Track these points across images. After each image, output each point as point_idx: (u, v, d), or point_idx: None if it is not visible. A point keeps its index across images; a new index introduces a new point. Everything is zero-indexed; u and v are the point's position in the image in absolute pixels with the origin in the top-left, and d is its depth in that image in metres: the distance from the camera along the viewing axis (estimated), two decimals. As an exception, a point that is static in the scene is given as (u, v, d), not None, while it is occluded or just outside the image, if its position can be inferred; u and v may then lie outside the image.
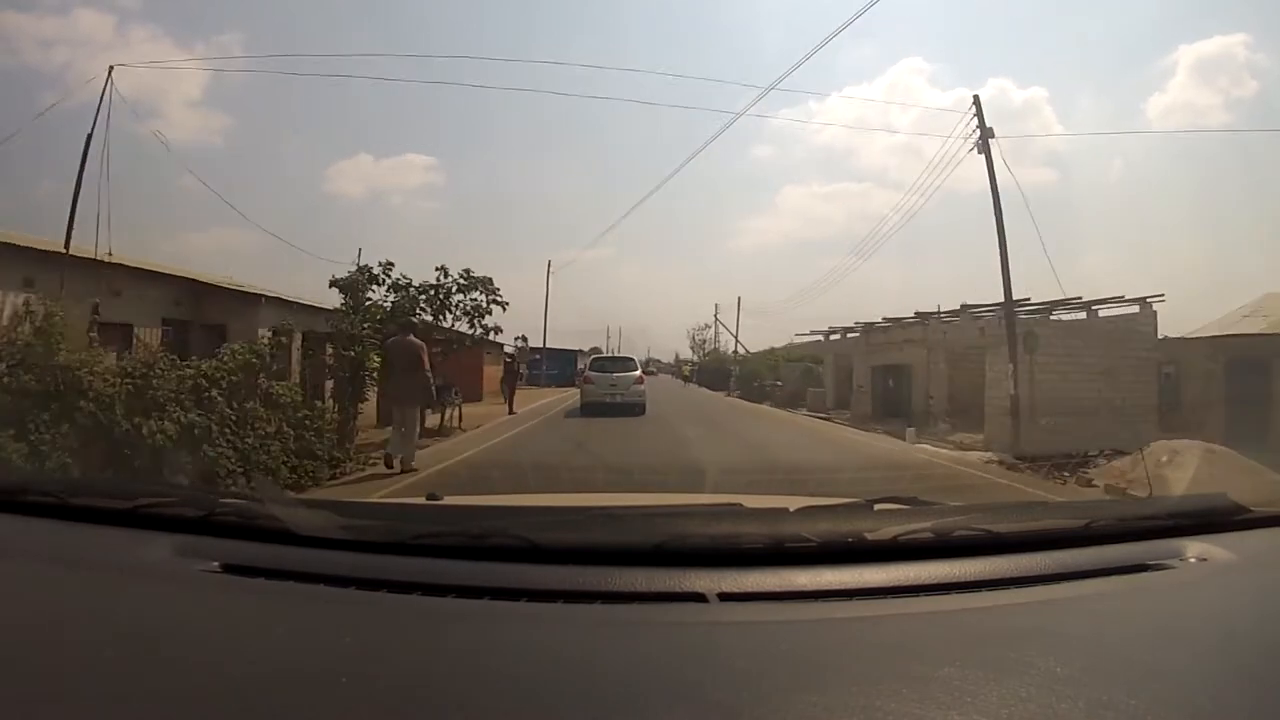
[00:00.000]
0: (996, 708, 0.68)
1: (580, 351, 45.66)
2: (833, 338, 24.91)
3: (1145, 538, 1.16)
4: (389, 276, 11.84)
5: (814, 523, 1.14)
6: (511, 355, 20.77)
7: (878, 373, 19.52)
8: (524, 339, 40.08)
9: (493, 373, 23.44)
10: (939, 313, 17.70)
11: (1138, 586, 1.01)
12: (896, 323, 19.21)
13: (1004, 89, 60.69)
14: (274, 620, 0.90)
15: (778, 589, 0.96)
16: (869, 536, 1.07)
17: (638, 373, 18.05)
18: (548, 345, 42.53)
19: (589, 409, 16.62)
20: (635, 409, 16.44)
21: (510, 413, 16.75)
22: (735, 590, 0.94)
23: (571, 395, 22.48)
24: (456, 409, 13.48)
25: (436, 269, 12.74)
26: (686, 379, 48.54)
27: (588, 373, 19.14)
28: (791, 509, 1.25)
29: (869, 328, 20.72)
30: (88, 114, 12.12)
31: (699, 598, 0.92)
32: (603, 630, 0.87)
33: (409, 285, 12.15)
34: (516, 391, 18.94)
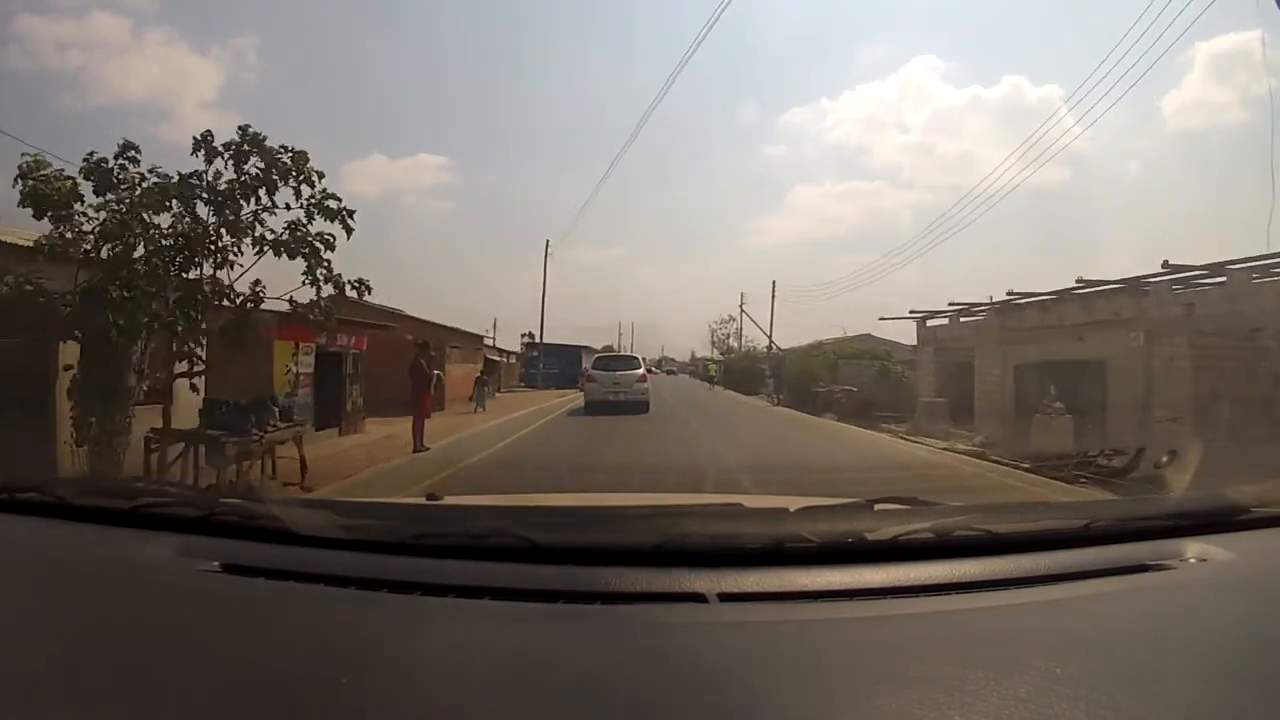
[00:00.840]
0: (997, 708, 0.68)
1: (586, 348, 41.38)
2: (933, 323, 16.77)
3: (1145, 538, 1.16)
4: (129, 170, 5.79)
5: (814, 523, 1.14)
6: (422, 343, 11.91)
7: (1026, 374, 12.34)
8: (531, 335, 37.21)
9: (457, 374, 18.23)
10: (1175, 271, 9.87)
11: (1138, 586, 1.01)
12: (1071, 291, 11.70)
13: (1019, 86, 61.11)
14: (274, 620, 0.90)
15: (778, 589, 0.96)
16: (869, 537, 1.07)
17: (641, 370, 18.26)
18: (549, 341, 37.18)
19: (593, 407, 16.81)
20: (639, 407, 16.55)
21: (418, 449, 10.05)
22: (735, 590, 0.94)
23: (568, 401, 20.04)
24: (294, 447, 7.44)
25: (197, 139, 5.99)
26: (712, 380, 39.50)
27: (591, 371, 19.26)
28: (791, 509, 1.25)
29: (1009, 302, 13.35)
30: None
31: (699, 598, 0.92)
32: (603, 630, 0.87)
33: (154, 182, 5.86)
34: (495, 397, 17.37)
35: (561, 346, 39.52)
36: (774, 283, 40.09)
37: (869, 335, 26.39)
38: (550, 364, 36.28)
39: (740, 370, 38.87)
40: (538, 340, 37.86)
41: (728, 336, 55.28)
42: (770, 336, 38.73)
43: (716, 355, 56.57)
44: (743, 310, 48.09)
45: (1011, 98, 70.63)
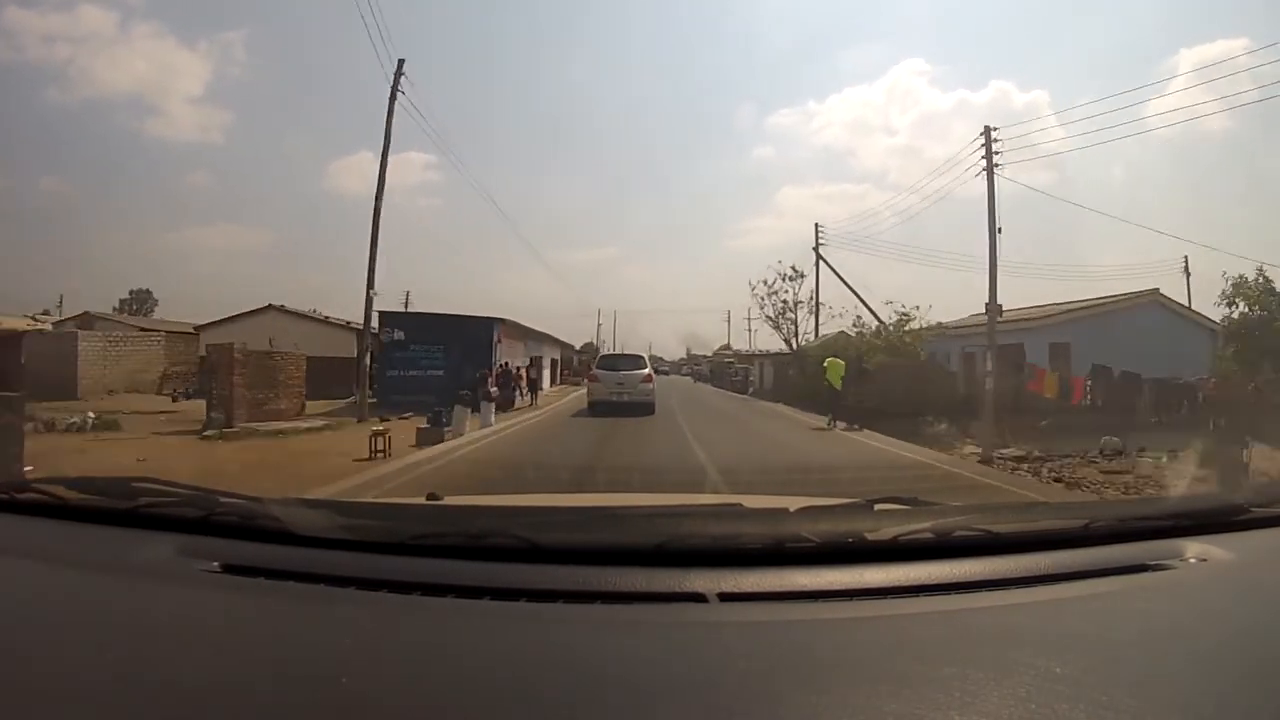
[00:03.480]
0: (997, 708, 0.68)
1: (501, 321, 21.20)
2: None
3: (1145, 538, 1.16)
4: None
5: (814, 523, 1.14)
6: None
7: None
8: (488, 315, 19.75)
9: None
10: None
11: (1138, 586, 1.01)
12: None
13: (1006, 91, 61.24)
14: (274, 620, 0.90)
15: (778, 589, 0.96)
16: (869, 536, 1.07)
17: (646, 371, 18.05)
18: (430, 312, 20.83)
19: (596, 408, 16.69)
20: (644, 409, 16.37)
21: None
22: (735, 590, 0.94)
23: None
24: None
25: None
26: (836, 398, 15.25)
27: (594, 370, 19.06)
28: (792, 509, 1.25)
29: None
30: None
31: (699, 598, 0.92)
32: (603, 630, 0.87)
33: None
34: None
35: (448, 320, 19.64)
36: (987, 145, 16.32)
37: (1158, 292, 17.30)
38: (427, 355, 18.62)
39: (886, 374, 17.81)
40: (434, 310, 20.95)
41: (787, 308, 27.50)
42: (992, 297, 15.78)
43: (718, 350, 41.29)
44: (819, 257, 26.61)
45: (999, 102, 70.56)
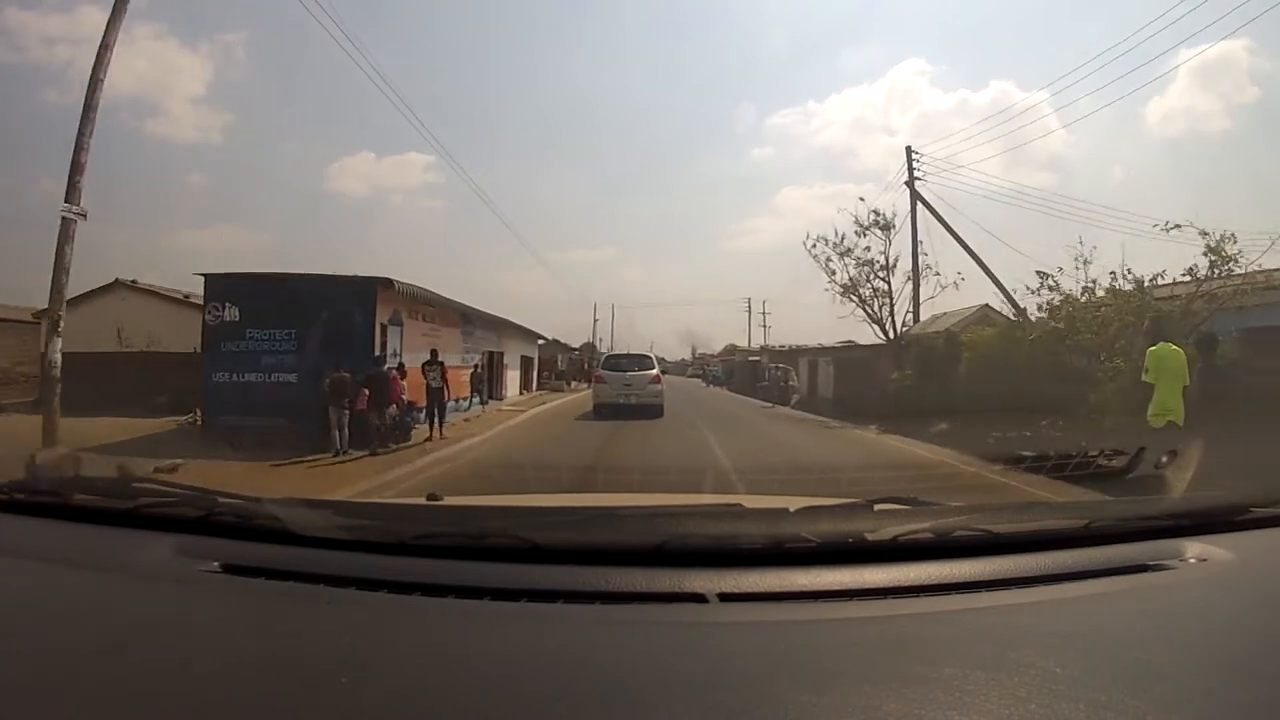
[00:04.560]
0: (997, 708, 0.68)
1: (386, 281, 10.92)
2: None
3: (1145, 538, 1.16)
4: None
5: (814, 523, 1.14)
6: None
7: None
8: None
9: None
10: None
11: (1138, 586, 1.01)
12: None
13: (1007, 92, 61.37)
14: (274, 620, 0.90)
15: (778, 589, 0.96)
16: (869, 537, 1.07)
17: (654, 371, 17.12)
18: (295, 272, 11.29)
19: (601, 411, 15.82)
20: (652, 411, 15.55)
21: None
22: (735, 590, 0.94)
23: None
24: None
25: None
26: (1177, 435, 5.49)
27: (599, 371, 18.18)
28: (791, 509, 1.25)
29: None
30: None
31: (699, 598, 0.92)
32: (602, 630, 0.87)
33: None
34: None
35: (307, 284, 11.09)
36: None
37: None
38: (273, 347, 11.05)
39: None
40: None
41: (873, 271, 17.74)
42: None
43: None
44: (916, 195, 18.00)
45: (999, 102, 70.39)
